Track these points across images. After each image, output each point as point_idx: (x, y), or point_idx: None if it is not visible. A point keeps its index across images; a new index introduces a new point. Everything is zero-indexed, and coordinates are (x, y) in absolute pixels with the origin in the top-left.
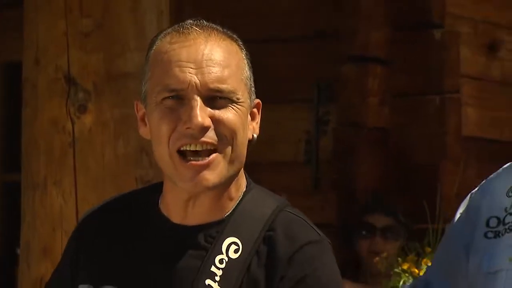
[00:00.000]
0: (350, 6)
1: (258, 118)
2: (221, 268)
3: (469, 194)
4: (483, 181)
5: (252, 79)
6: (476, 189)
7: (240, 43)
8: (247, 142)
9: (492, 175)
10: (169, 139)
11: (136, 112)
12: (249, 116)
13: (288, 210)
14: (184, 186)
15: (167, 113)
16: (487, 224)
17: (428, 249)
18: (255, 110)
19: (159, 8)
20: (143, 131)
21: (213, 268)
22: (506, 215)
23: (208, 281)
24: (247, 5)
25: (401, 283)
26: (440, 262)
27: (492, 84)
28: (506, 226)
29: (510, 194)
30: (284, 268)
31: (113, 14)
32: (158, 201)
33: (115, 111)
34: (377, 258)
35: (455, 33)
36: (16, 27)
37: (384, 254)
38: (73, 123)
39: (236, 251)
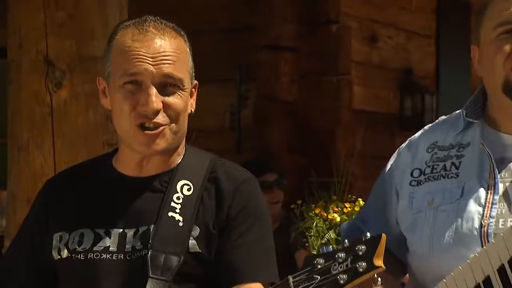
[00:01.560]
0: (267, 5)
1: (195, 96)
2: (179, 203)
3: (398, 149)
4: (409, 139)
5: (193, 66)
6: (404, 145)
7: (186, 38)
8: (187, 117)
9: (416, 134)
10: (129, 116)
11: (98, 86)
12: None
13: (222, 160)
14: (140, 149)
15: (128, 96)
16: (412, 175)
17: (334, 197)
18: (193, 90)
19: (120, 3)
20: (104, 102)
21: (172, 204)
22: (425, 168)
23: (170, 214)
24: (182, 2)
25: (314, 224)
26: (373, 203)
27: (372, 68)
28: (426, 176)
29: (429, 150)
30: (230, 199)
31: (83, 8)
32: (112, 163)
33: (86, 87)
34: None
35: (347, 27)
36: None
37: (281, 201)
38: (51, 97)
39: (189, 190)
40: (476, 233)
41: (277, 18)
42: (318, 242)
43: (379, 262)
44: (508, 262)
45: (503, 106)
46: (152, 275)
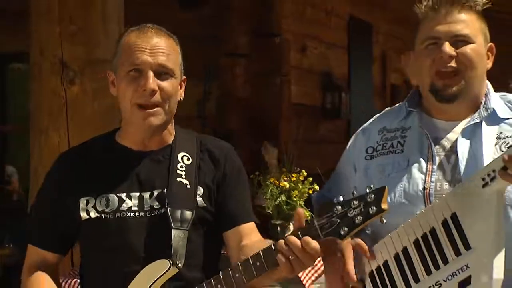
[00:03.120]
0: (227, 22)
1: (183, 87)
2: (183, 170)
3: (355, 133)
4: (364, 125)
5: (182, 65)
6: (359, 130)
7: (177, 41)
8: (177, 101)
9: (368, 122)
10: (131, 97)
11: (108, 77)
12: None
13: (202, 135)
14: (138, 123)
15: (131, 81)
16: (366, 151)
17: (284, 169)
18: (182, 83)
19: (118, 18)
20: (112, 90)
21: (178, 171)
22: (377, 146)
23: (178, 179)
24: (165, 16)
25: (269, 190)
26: (336, 176)
27: (303, 72)
28: (377, 152)
29: (380, 133)
30: (223, 163)
31: (90, 22)
32: (116, 140)
33: (93, 84)
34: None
35: (286, 40)
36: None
37: None
38: (65, 91)
39: (188, 159)
40: (420, 194)
41: (235, 31)
42: (272, 203)
43: (385, 206)
44: (450, 217)
45: (431, 101)
46: (174, 227)
